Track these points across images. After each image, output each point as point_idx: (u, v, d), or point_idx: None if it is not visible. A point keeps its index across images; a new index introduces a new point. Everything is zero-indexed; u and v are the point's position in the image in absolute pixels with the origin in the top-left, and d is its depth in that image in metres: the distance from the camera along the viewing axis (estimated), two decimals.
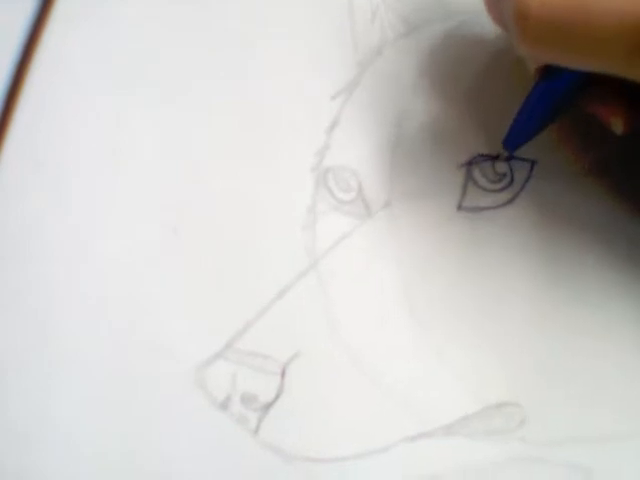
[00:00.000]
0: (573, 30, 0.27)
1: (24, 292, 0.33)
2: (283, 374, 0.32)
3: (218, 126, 0.35)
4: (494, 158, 0.34)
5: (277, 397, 0.32)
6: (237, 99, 0.35)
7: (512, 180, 0.34)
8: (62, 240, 0.34)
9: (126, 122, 0.35)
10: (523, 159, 0.34)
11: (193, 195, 0.34)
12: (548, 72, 0.30)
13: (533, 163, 0.34)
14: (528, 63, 0.31)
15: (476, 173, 0.34)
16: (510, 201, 0.34)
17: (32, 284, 0.33)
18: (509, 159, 0.34)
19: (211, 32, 0.36)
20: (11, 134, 0.35)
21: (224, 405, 0.32)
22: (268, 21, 0.36)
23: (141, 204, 0.34)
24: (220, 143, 0.35)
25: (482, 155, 0.34)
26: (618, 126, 0.31)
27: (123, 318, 0.33)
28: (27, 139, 0.35)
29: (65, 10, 0.36)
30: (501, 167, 0.34)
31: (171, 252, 0.34)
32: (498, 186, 0.34)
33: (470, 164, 0.34)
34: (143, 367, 0.33)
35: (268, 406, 0.32)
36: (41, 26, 0.35)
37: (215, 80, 0.35)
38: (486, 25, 0.32)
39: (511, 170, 0.34)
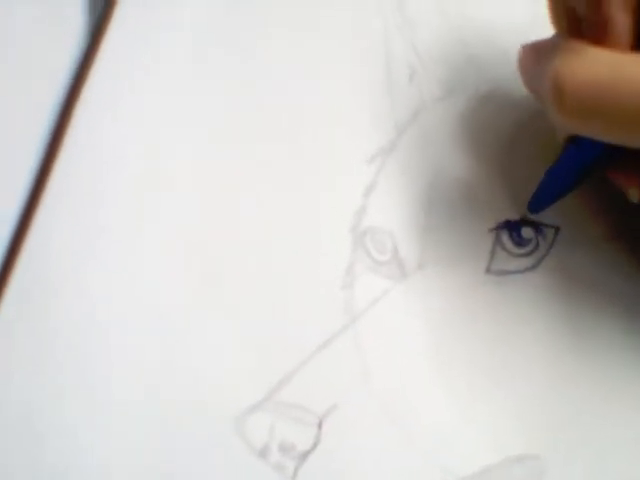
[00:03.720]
0: (604, 107, 0.29)
1: (64, 339, 0.35)
2: (320, 425, 0.34)
3: (256, 181, 0.37)
4: (521, 223, 0.36)
5: (314, 446, 0.34)
6: (275, 156, 0.37)
7: (538, 245, 0.36)
8: (97, 288, 0.35)
9: (160, 170, 0.37)
10: (548, 225, 0.36)
11: (233, 249, 0.36)
12: (576, 140, 0.32)
13: (557, 229, 0.36)
14: (557, 130, 0.33)
15: (504, 237, 0.36)
16: (535, 265, 0.36)
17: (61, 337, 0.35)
18: (535, 225, 0.36)
19: (250, 90, 0.38)
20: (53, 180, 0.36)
21: (262, 453, 0.34)
22: (305, 78, 0.38)
23: (179, 253, 0.36)
24: (259, 199, 0.36)
25: (510, 220, 0.36)
26: (635, 195, 0.33)
27: (164, 368, 0.35)
28: (66, 183, 0.36)
29: (111, 51, 0.37)
30: (527, 232, 0.36)
31: (211, 304, 0.35)
32: (524, 250, 0.36)
33: (498, 229, 0.36)
34: (184, 416, 0.35)
35: (305, 455, 0.34)
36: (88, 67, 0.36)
37: (251, 139, 0.37)
38: (520, 89, 0.34)
39: (536, 235, 0.36)
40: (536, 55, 0.32)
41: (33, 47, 0.37)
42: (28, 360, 0.35)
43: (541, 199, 0.35)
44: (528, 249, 0.36)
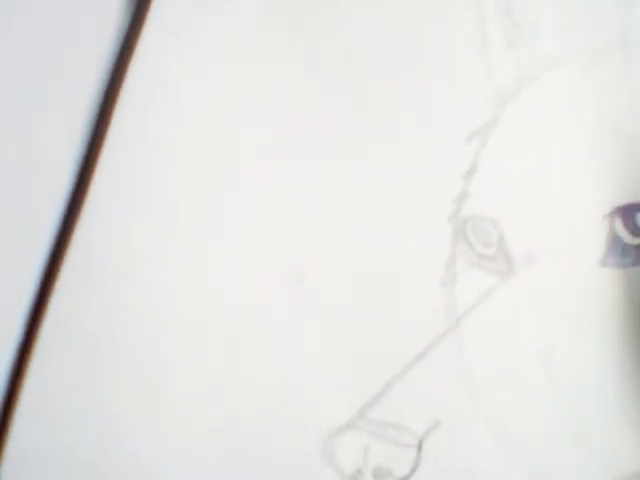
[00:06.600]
0: None
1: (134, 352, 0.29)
2: (420, 447, 0.30)
3: (344, 165, 0.31)
4: (636, 209, 0.32)
5: (413, 471, 0.30)
6: (363, 138, 0.31)
7: None
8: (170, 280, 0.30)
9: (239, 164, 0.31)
10: None
11: (321, 245, 0.31)
12: None
13: None
14: None
15: (618, 225, 0.32)
16: None
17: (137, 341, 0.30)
18: None
19: (324, 66, 0.31)
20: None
21: (354, 479, 0.30)
22: (385, 47, 0.32)
23: (258, 249, 0.30)
24: (347, 185, 0.31)
25: (623, 206, 0.32)
26: None
27: (242, 381, 0.30)
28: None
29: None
30: None
31: (296, 307, 0.30)
32: None
33: (612, 215, 0.32)
34: (266, 438, 0.30)
35: None
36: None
37: (336, 121, 0.31)
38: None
39: None
40: None
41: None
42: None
43: None
44: None
